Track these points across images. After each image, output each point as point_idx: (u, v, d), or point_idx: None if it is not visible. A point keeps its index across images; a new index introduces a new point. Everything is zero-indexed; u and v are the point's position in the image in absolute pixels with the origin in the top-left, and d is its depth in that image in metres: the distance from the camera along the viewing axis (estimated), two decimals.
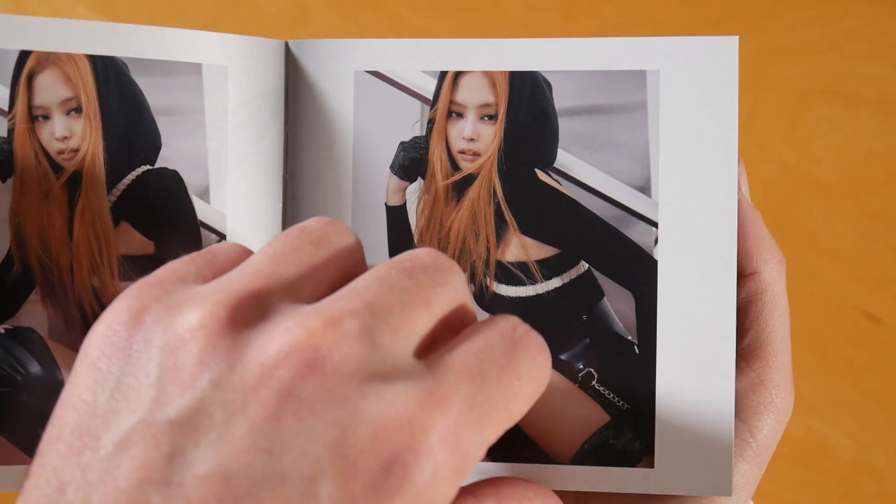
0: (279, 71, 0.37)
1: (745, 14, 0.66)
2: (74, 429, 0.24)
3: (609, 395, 0.36)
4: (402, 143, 0.37)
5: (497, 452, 0.36)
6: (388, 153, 0.37)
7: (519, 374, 0.26)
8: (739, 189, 0.36)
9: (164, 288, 0.26)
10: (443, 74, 0.37)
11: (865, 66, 0.65)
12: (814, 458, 0.64)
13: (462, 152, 0.37)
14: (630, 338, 0.36)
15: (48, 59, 0.35)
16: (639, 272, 0.36)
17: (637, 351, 0.36)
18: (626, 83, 0.36)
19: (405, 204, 0.37)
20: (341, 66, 0.37)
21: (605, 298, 0.36)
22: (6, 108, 0.35)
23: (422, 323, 0.26)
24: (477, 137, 0.37)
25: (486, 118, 0.37)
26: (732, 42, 0.36)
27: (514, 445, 0.36)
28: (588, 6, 0.66)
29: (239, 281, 0.26)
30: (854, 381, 0.64)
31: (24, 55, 0.35)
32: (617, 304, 0.36)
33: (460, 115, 0.37)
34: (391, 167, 0.37)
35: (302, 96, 0.38)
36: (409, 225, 0.37)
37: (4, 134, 0.35)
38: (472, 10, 0.66)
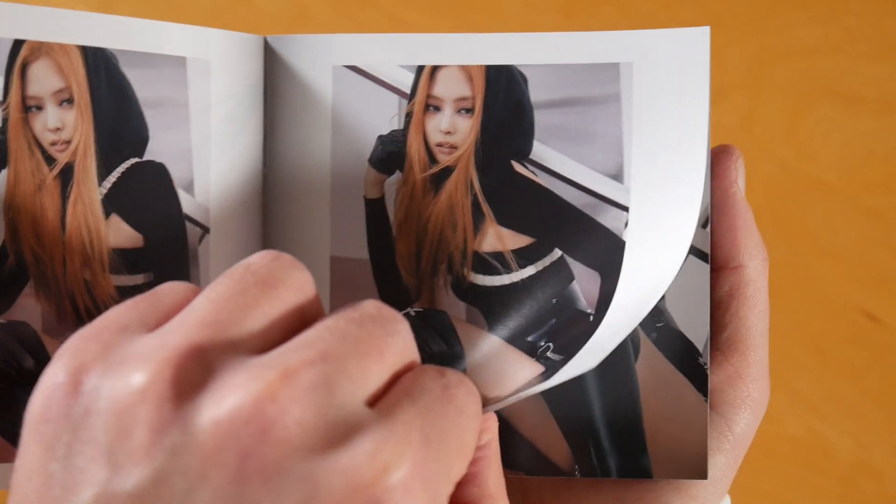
0: (259, 65, 0.38)
1: (745, 14, 0.66)
2: (35, 502, 0.23)
3: (556, 357, 0.36)
4: (380, 137, 0.37)
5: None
6: (367, 147, 0.37)
7: (460, 410, 0.27)
8: (735, 183, 0.36)
9: (102, 342, 0.25)
10: (420, 69, 0.37)
11: (865, 66, 0.65)
12: (814, 458, 0.64)
13: (439, 145, 0.37)
14: (589, 311, 0.36)
15: (41, 49, 0.35)
16: (608, 254, 0.36)
17: (591, 320, 0.36)
18: (600, 75, 0.36)
19: (384, 197, 0.37)
20: (320, 61, 0.37)
21: (574, 282, 0.36)
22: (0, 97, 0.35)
23: (375, 372, 0.25)
24: (454, 130, 0.37)
25: (462, 111, 0.37)
26: (704, 32, 0.36)
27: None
28: (588, 6, 0.66)
29: (182, 334, 0.24)
30: (854, 381, 0.64)
31: (17, 45, 0.35)
32: (585, 285, 0.36)
33: (437, 109, 0.37)
34: (370, 160, 0.37)
35: (281, 91, 0.38)
36: (387, 217, 0.37)
37: None
38: (472, 10, 0.66)
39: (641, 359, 0.36)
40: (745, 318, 0.36)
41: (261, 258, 0.27)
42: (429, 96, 0.37)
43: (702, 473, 0.35)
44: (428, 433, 0.25)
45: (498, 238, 0.37)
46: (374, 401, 0.25)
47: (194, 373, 0.24)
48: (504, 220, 0.37)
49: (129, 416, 0.23)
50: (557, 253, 0.37)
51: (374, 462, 0.23)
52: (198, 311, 0.25)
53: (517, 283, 0.37)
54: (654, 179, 0.36)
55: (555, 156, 0.37)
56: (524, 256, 0.37)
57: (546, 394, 0.36)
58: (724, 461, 0.36)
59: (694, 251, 0.36)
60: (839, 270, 0.65)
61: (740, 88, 0.65)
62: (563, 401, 0.36)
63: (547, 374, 0.36)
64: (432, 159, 0.37)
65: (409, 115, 0.37)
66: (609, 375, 0.36)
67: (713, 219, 0.36)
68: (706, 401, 0.36)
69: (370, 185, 0.37)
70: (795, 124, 0.65)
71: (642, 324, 0.36)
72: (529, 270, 0.37)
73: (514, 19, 0.66)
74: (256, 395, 0.23)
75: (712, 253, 0.36)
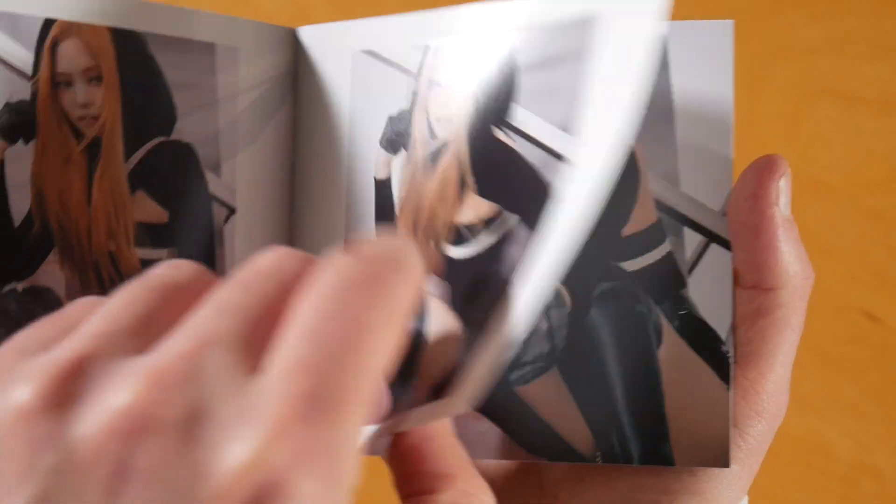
0: (288, 56, 0.39)
1: (745, 14, 0.66)
2: None
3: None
4: (389, 117, 0.37)
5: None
6: (380, 129, 0.37)
7: (368, 327, 0.23)
8: (773, 205, 0.35)
9: (0, 366, 0.24)
10: (427, 48, 0.37)
11: (865, 66, 0.65)
12: (814, 458, 0.64)
13: (438, 120, 0.37)
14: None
15: (70, 29, 0.36)
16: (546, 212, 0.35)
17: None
18: (571, 33, 0.36)
19: (390, 177, 0.37)
20: (341, 49, 0.38)
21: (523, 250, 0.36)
22: (29, 72, 0.36)
23: (263, 333, 0.24)
24: (449, 103, 0.37)
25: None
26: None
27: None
28: None
29: (68, 349, 0.24)
30: (854, 381, 0.64)
31: (47, 24, 0.35)
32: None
33: (440, 85, 0.37)
34: (379, 141, 0.37)
35: (307, 80, 0.38)
36: (391, 197, 0.37)
37: (28, 97, 0.36)
38: None
39: (664, 346, 0.36)
40: (771, 338, 0.35)
41: (159, 268, 0.26)
42: (434, 73, 0.37)
43: (724, 461, 0.35)
44: (314, 391, 0.22)
45: (474, 209, 0.36)
46: (261, 356, 0.24)
47: (73, 386, 0.23)
48: (482, 191, 0.37)
49: (10, 437, 0.23)
50: (514, 219, 0.35)
51: (247, 448, 0.21)
52: (90, 324, 0.25)
53: (480, 253, 0.36)
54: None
55: (532, 119, 0.36)
56: (489, 225, 0.36)
57: (568, 380, 0.36)
58: (738, 469, 0.36)
59: (717, 239, 0.36)
60: (839, 270, 0.65)
61: (740, 88, 0.65)
62: (586, 387, 0.36)
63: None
64: (433, 136, 0.37)
65: (415, 94, 0.37)
66: (632, 362, 0.36)
67: (747, 236, 0.35)
68: (728, 389, 0.35)
69: (379, 165, 0.37)
70: (795, 124, 0.65)
71: (665, 311, 0.36)
72: (488, 240, 0.36)
73: None
74: (122, 405, 0.22)
75: (743, 272, 0.35)
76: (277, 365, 0.23)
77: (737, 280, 0.36)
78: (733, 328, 0.36)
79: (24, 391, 0.23)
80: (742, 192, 0.35)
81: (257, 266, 0.25)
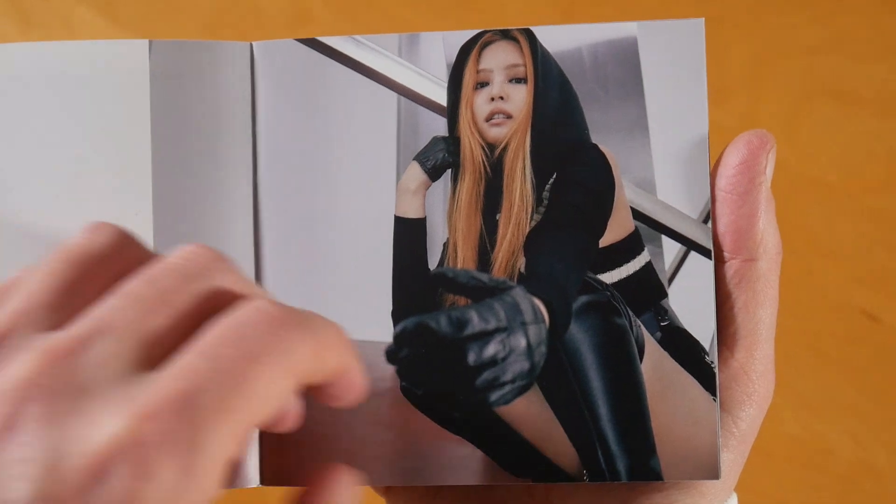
0: None
1: (745, 14, 0.66)
2: None
3: None
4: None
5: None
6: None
7: (255, 358, 0.25)
8: (763, 173, 0.36)
9: None
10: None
11: (865, 66, 0.65)
12: (814, 457, 0.64)
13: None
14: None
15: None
16: None
17: None
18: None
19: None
20: None
21: None
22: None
23: (157, 327, 0.26)
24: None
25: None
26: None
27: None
28: (588, 6, 0.66)
29: None
30: (854, 380, 0.64)
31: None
32: None
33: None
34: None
35: None
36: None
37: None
38: (472, 10, 0.66)
39: (647, 359, 0.36)
40: (754, 313, 0.36)
41: (79, 234, 0.28)
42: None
43: (713, 473, 0.35)
44: (190, 394, 0.24)
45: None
46: (165, 349, 0.26)
47: None
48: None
49: None
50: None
51: (113, 442, 0.23)
52: (13, 299, 0.27)
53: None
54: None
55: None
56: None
57: (550, 397, 0.36)
58: (731, 457, 0.36)
59: (696, 247, 0.36)
60: (839, 270, 0.65)
61: (740, 88, 0.65)
62: (568, 403, 0.36)
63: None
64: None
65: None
66: (614, 376, 0.36)
67: (734, 203, 0.36)
68: (715, 399, 0.35)
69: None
70: (795, 124, 0.65)
71: (646, 322, 0.36)
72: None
73: (514, 19, 0.66)
74: (15, 374, 0.24)
75: (724, 240, 0.36)
76: (169, 368, 0.25)
77: (716, 254, 0.36)
78: (718, 310, 0.36)
79: None
80: (732, 160, 0.36)
81: (177, 264, 0.27)
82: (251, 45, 0.37)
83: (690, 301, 0.36)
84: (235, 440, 0.25)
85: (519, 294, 0.35)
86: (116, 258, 0.28)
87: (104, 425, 0.23)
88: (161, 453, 0.23)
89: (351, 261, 0.37)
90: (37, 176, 0.36)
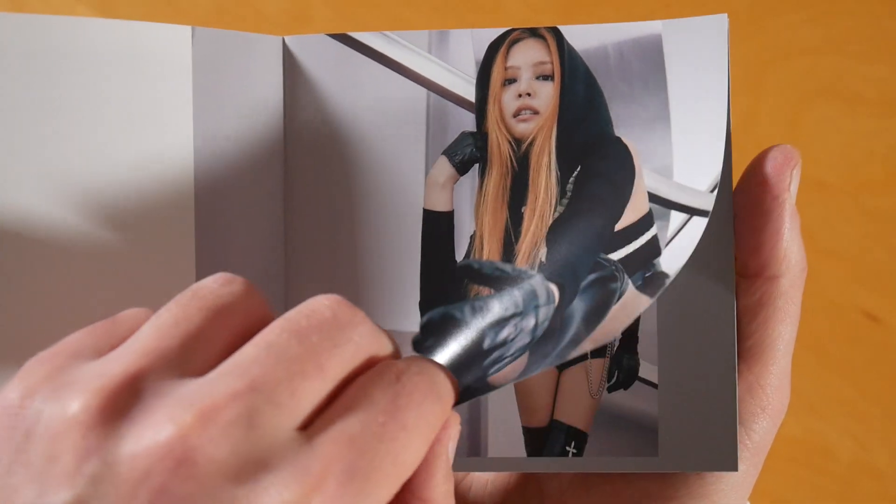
0: None
1: (745, 14, 0.66)
2: None
3: None
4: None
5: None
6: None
7: (404, 426, 0.26)
8: (787, 190, 0.35)
9: (53, 366, 0.25)
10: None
11: (865, 66, 0.65)
12: (814, 458, 0.64)
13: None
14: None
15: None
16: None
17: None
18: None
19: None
20: None
21: None
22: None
23: (312, 391, 0.25)
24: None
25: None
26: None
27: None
28: (588, 6, 0.66)
29: (120, 362, 0.25)
30: (854, 381, 0.64)
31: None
32: None
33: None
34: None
35: None
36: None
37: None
38: (473, 10, 0.66)
39: (622, 299, 0.37)
40: (773, 329, 0.35)
41: (212, 281, 0.27)
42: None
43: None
44: (354, 465, 0.25)
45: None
46: (316, 415, 0.26)
47: (125, 402, 0.24)
48: None
49: (60, 442, 0.24)
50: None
51: (273, 502, 0.23)
52: (141, 339, 0.26)
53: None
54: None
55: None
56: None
57: (533, 358, 0.36)
58: (744, 469, 0.35)
59: (699, 213, 0.36)
60: (839, 270, 0.65)
61: (740, 88, 0.65)
62: (547, 358, 0.36)
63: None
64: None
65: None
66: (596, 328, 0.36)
67: (756, 221, 0.35)
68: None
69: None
70: (795, 124, 0.65)
71: (633, 279, 0.36)
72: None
73: (514, 19, 0.66)
74: (172, 434, 0.24)
75: (747, 259, 0.36)
76: (328, 432, 0.25)
77: (738, 269, 0.36)
78: (737, 324, 0.36)
79: (77, 401, 0.24)
80: (755, 177, 0.35)
81: (314, 315, 0.26)
82: (283, 40, 0.38)
83: (678, 253, 0.36)
84: (389, 495, 0.25)
85: (537, 281, 0.35)
86: (244, 313, 0.27)
87: (276, 499, 0.23)
88: None
89: (380, 253, 0.37)
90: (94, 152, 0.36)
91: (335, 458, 0.24)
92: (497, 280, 0.35)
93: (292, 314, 0.26)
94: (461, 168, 0.37)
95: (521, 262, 0.36)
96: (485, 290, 0.36)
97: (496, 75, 0.37)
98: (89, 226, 0.36)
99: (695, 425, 0.35)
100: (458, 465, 0.36)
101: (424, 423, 0.26)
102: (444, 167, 0.37)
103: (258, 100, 0.37)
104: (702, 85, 0.36)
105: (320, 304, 0.27)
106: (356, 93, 0.37)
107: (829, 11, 0.66)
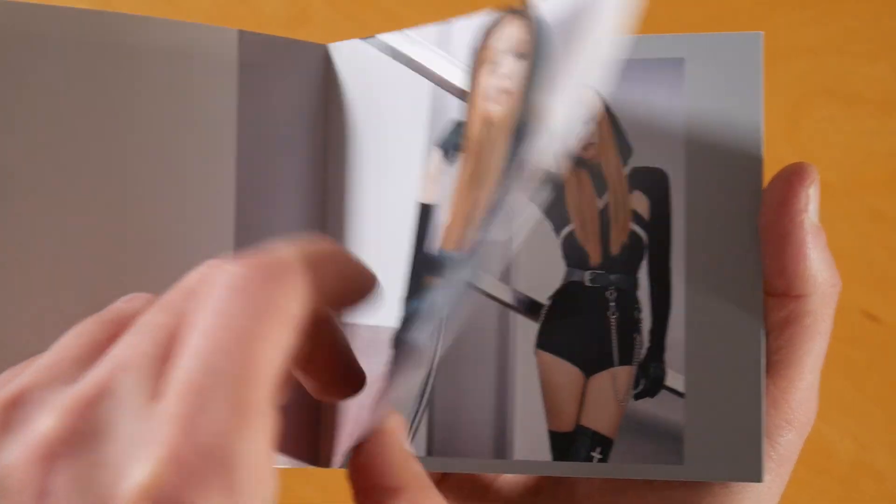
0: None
1: (745, 14, 0.66)
2: None
3: None
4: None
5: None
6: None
7: (248, 336, 0.24)
8: (803, 211, 0.35)
9: None
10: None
11: (865, 66, 0.65)
12: (814, 458, 0.64)
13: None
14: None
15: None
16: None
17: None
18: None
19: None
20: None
21: None
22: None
23: (165, 351, 0.25)
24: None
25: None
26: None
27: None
28: None
29: (16, 382, 0.26)
30: (854, 381, 0.64)
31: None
32: None
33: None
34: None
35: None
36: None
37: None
38: (473, 8, 0.66)
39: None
40: (800, 346, 0.35)
41: (118, 301, 0.28)
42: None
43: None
44: (201, 415, 0.23)
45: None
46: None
47: (11, 416, 0.25)
48: None
49: None
50: None
51: (149, 484, 0.23)
52: (44, 356, 0.26)
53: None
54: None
55: None
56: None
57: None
58: (769, 479, 0.35)
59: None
60: (839, 270, 0.65)
61: None
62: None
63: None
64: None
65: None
66: None
67: (777, 243, 0.35)
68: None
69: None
70: (795, 124, 0.65)
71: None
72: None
73: None
74: (42, 433, 0.24)
75: (773, 279, 0.35)
76: (171, 387, 0.23)
77: (766, 288, 0.35)
78: (763, 340, 0.35)
79: None
80: (772, 200, 0.35)
81: (182, 284, 0.26)
82: (327, 47, 0.39)
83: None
84: (266, 429, 0.23)
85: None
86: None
87: (132, 476, 0.23)
88: (195, 491, 0.22)
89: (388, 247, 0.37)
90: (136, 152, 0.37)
91: (179, 413, 0.23)
92: (446, 268, 0.34)
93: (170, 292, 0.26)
94: (449, 158, 0.37)
95: (456, 245, 0.35)
96: (437, 280, 0.36)
97: (478, 59, 0.36)
98: (130, 220, 0.36)
99: (720, 435, 0.35)
100: (484, 467, 0.36)
101: (280, 321, 0.24)
102: (436, 158, 0.37)
103: (300, 104, 0.38)
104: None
105: (193, 273, 0.26)
106: (386, 96, 0.38)
107: (829, 11, 0.66)
